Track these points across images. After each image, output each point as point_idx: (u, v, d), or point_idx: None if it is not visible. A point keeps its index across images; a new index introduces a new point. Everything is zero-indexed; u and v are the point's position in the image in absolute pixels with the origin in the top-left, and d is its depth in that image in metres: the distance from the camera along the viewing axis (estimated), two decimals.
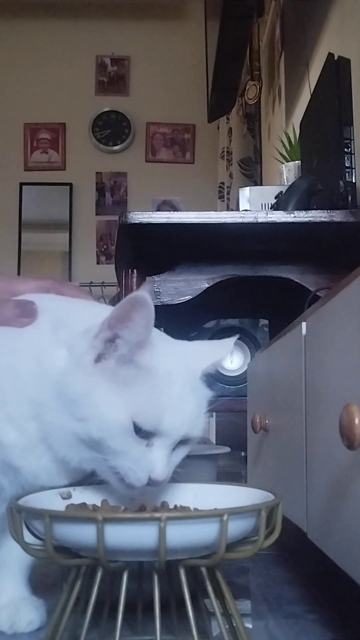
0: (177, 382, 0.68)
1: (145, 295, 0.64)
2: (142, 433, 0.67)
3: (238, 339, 2.32)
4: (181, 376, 0.69)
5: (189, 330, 2.24)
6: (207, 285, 1.74)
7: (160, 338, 0.72)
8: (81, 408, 0.67)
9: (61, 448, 0.69)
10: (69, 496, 0.72)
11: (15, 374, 0.70)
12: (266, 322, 2.53)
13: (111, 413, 0.66)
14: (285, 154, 2.46)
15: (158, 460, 0.67)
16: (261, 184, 3.88)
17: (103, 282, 4.52)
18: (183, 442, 0.70)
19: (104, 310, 0.71)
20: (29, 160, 5.03)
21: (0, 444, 0.70)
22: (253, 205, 2.00)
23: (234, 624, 0.65)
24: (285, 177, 2.25)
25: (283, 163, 2.38)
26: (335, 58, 1.72)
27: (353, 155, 1.66)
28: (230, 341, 0.78)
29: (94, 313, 0.71)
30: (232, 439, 2.59)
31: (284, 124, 3.25)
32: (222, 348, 0.77)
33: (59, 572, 0.98)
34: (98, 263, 4.93)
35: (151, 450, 0.67)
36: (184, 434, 0.69)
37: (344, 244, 1.70)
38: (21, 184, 4.95)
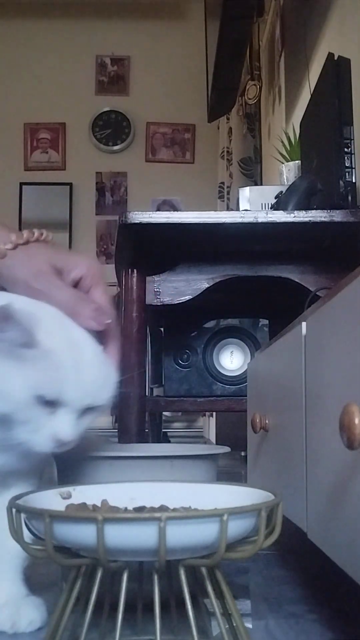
0: (76, 356, 0.72)
1: (9, 308, 0.67)
2: (47, 403, 0.70)
3: (238, 339, 2.32)
4: (81, 351, 0.73)
5: (189, 330, 2.24)
6: (207, 285, 1.74)
7: (58, 319, 0.75)
8: None
9: None
10: (69, 496, 0.72)
11: None
12: (266, 322, 2.52)
13: (13, 387, 0.69)
14: (285, 153, 2.46)
15: (62, 423, 0.71)
16: (261, 184, 3.88)
17: None
18: (90, 409, 0.74)
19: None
20: (29, 160, 5.03)
21: None
22: (253, 205, 2.00)
23: (234, 624, 0.65)
24: (285, 177, 2.25)
25: (283, 163, 2.38)
26: (335, 58, 1.72)
27: (353, 155, 1.66)
28: None
29: None
30: (232, 439, 2.59)
31: (284, 123, 3.25)
32: None
33: (59, 572, 0.98)
34: None
35: (55, 417, 0.71)
36: (88, 403, 0.73)
37: (344, 244, 1.70)
38: (21, 184, 4.95)
